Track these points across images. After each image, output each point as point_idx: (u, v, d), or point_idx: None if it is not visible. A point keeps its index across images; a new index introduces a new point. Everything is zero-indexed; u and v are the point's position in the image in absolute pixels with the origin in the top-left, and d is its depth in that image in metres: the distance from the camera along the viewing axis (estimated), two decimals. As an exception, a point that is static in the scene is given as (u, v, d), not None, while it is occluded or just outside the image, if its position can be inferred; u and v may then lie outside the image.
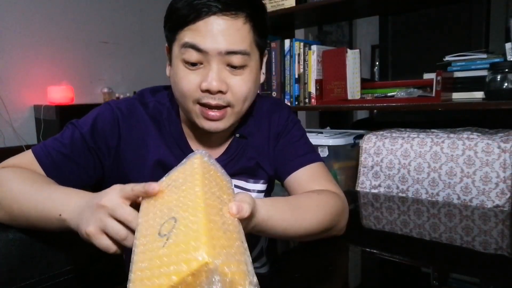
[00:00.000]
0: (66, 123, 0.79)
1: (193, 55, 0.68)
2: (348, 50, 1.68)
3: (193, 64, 0.69)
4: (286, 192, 0.85)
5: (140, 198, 0.51)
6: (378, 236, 0.85)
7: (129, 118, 0.79)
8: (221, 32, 0.67)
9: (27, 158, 0.73)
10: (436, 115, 2.05)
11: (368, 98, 1.72)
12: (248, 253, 0.44)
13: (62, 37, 3.08)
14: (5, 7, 2.78)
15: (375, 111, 2.77)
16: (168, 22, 0.72)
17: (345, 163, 1.64)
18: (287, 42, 1.78)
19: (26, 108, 2.96)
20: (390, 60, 3.90)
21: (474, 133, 1.24)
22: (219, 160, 0.81)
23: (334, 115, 4.14)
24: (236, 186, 0.84)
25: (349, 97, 1.67)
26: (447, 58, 1.54)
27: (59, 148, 0.74)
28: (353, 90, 1.69)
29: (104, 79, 3.35)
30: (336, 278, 0.68)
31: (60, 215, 0.58)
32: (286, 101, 1.80)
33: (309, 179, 0.81)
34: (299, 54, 1.76)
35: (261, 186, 0.87)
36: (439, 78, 1.43)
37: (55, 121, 2.77)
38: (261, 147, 0.85)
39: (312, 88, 1.76)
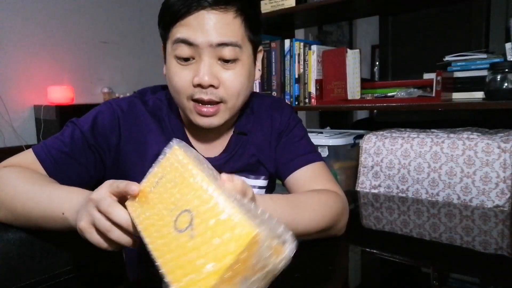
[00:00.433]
0: (66, 123, 0.78)
1: (184, 50, 0.69)
2: (348, 50, 1.68)
3: (186, 60, 0.70)
4: (286, 191, 0.85)
5: (129, 196, 0.51)
6: (378, 236, 0.85)
7: (130, 116, 0.79)
8: (211, 26, 0.67)
9: (28, 157, 0.73)
10: (436, 115, 2.05)
11: (368, 98, 1.72)
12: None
13: (62, 37, 3.08)
14: (5, 7, 2.78)
15: (375, 111, 2.77)
16: (161, 20, 0.73)
17: (345, 163, 1.64)
18: (287, 42, 1.78)
19: (26, 108, 2.96)
20: (390, 60, 3.90)
21: (474, 133, 1.24)
22: (219, 157, 0.82)
23: (334, 115, 4.14)
24: None
25: (349, 97, 1.67)
26: (447, 58, 1.54)
27: (60, 147, 0.74)
28: (353, 90, 1.69)
29: (104, 79, 3.35)
30: (336, 278, 0.68)
31: (63, 213, 0.58)
32: (286, 101, 1.80)
33: (310, 178, 0.81)
34: (299, 54, 1.76)
35: (262, 182, 0.87)
36: (439, 78, 1.43)
37: (55, 121, 2.77)
38: (262, 144, 0.85)
39: (312, 88, 1.76)
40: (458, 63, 1.51)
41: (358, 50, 1.71)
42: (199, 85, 0.70)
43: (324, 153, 1.60)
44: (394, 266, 0.72)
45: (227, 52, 0.69)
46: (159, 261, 0.42)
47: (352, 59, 1.68)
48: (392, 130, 1.43)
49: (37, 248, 0.71)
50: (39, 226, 0.64)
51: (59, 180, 0.71)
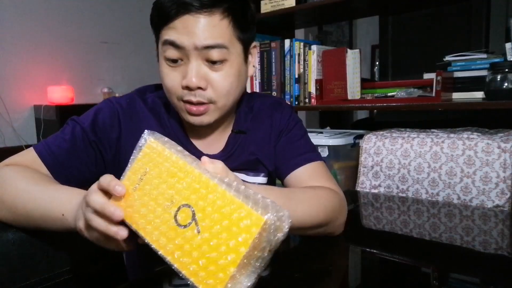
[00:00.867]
0: (66, 121, 0.79)
1: (172, 52, 0.70)
2: (348, 50, 1.68)
3: (174, 61, 0.71)
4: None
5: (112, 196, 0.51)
6: (378, 236, 0.85)
7: (130, 112, 0.80)
8: (198, 29, 0.68)
9: (30, 156, 0.73)
10: (436, 115, 2.05)
11: (368, 98, 1.72)
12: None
13: (62, 37, 3.08)
14: (5, 7, 2.78)
15: (375, 111, 2.77)
16: (152, 21, 0.74)
17: (345, 163, 1.64)
18: (287, 42, 1.78)
19: (26, 108, 2.96)
20: (390, 60, 3.90)
21: (474, 133, 1.24)
22: (218, 155, 0.82)
23: (334, 115, 4.14)
24: None
25: (349, 97, 1.67)
26: (447, 58, 1.54)
27: (61, 144, 0.74)
28: (353, 90, 1.69)
29: (104, 79, 3.35)
30: (336, 278, 0.68)
31: (63, 214, 0.58)
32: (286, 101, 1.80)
33: (309, 177, 0.81)
34: (299, 54, 1.76)
35: (261, 179, 0.87)
36: (439, 78, 1.43)
37: (55, 121, 2.77)
38: (261, 143, 0.86)
39: (312, 88, 1.76)
40: (458, 63, 1.51)
41: (358, 50, 1.71)
42: (187, 87, 0.70)
43: (324, 153, 1.60)
44: (394, 266, 0.72)
45: (214, 54, 0.69)
46: (168, 259, 0.44)
47: (352, 59, 1.68)
48: (392, 130, 1.43)
49: (37, 248, 0.71)
50: (39, 227, 0.64)
51: (61, 176, 0.71)
